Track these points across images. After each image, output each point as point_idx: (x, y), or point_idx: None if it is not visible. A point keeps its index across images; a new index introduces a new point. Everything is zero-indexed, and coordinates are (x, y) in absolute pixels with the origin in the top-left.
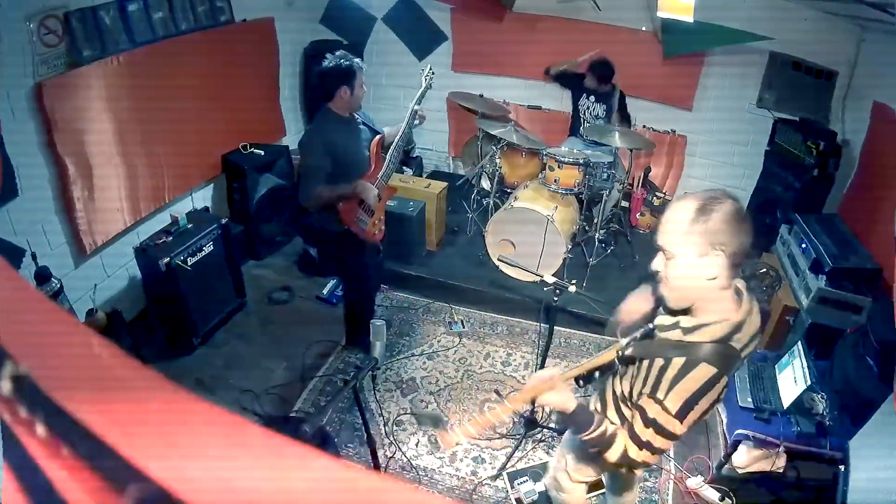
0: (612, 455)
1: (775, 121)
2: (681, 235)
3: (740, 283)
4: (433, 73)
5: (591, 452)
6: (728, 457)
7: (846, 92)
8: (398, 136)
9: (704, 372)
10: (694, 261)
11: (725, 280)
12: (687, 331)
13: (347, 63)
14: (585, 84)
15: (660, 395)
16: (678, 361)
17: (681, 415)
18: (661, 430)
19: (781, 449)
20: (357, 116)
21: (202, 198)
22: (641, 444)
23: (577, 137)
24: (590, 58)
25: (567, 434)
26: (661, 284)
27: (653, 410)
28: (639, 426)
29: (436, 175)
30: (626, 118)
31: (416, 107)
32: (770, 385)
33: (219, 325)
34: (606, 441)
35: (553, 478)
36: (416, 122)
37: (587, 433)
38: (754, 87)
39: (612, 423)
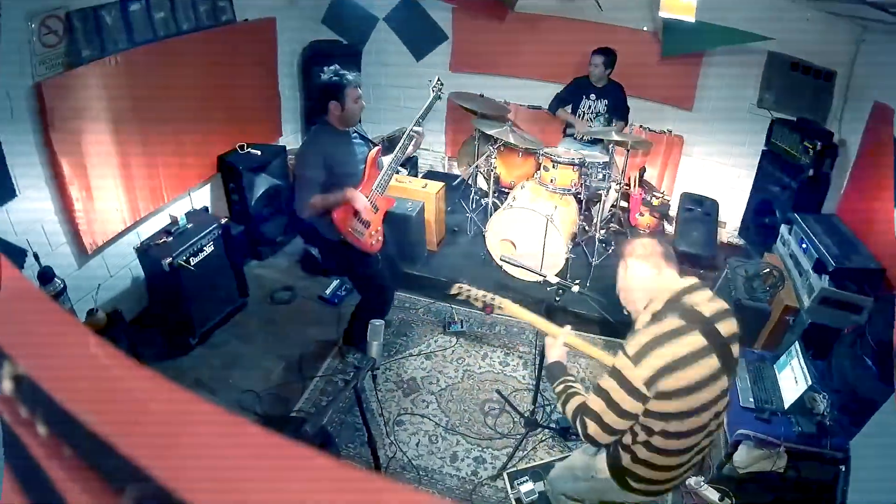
0: (569, 408)
1: (772, 121)
2: (618, 274)
3: (694, 278)
4: (441, 84)
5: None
6: (728, 457)
7: (846, 92)
8: (396, 151)
9: (668, 322)
10: (623, 272)
11: (653, 272)
12: (651, 311)
13: (337, 78)
14: (591, 77)
15: (626, 342)
16: (649, 322)
17: (636, 357)
18: (619, 378)
19: (782, 449)
20: (352, 130)
21: (201, 198)
22: (600, 393)
23: (573, 137)
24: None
25: (575, 460)
26: (631, 316)
27: (618, 357)
28: (605, 377)
29: (431, 175)
30: (624, 116)
31: (417, 128)
32: (771, 385)
33: (219, 325)
34: (567, 395)
35: (554, 496)
36: (411, 142)
37: (554, 385)
38: (754, 88)
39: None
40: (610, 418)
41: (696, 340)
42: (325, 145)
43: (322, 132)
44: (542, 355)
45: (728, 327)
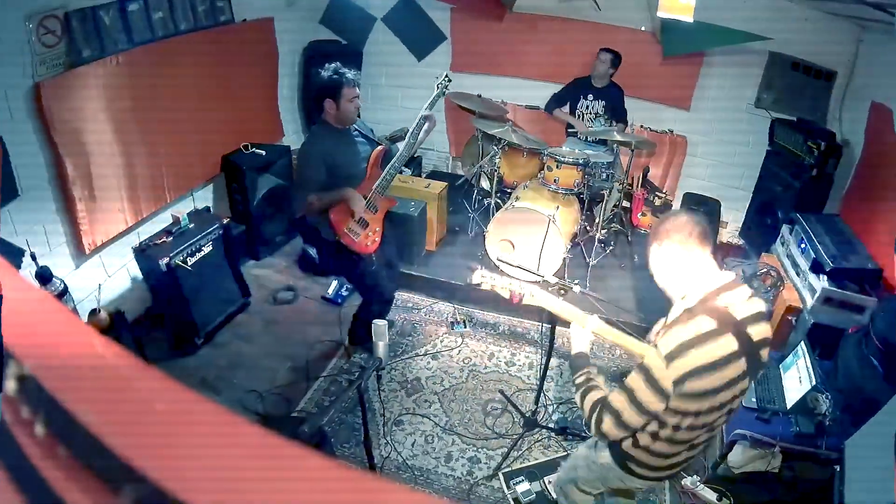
0: (587, 401)
1: (773, 121)
2: (648, 246)
3: (732, 275)
4: (449, 80)
5: (580, 408)
6: (724, 457)
7: (844, 92)
8: (402, 149)
9: (700, 323)
10: (657, 253)
11: (689, 259)
12: (684, 305)
13: (336, 77)
14: (593, 75)
15: (658, 340)
16: (680, 319)
17: (668, 358)
18: (648, 376)
19: (777, 449)
20: (354, 128)
21: (203, 198)
22: (625, 390)
23: (577, 137)
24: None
25: (581, 446)
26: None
27: (649, 355)
28: (632, 374)
29: (435, 175)
30: (622, 118)
31: (425, 112)
32: (775, 385)
33: (222, 325)
34: (587, 388)
35: (560, 488)
36: (427, 124)
37: (576, 375)
38: (752, 87)
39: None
40: (629, 416)
41: (728, 344)
42: (325, 145)
43: (322, 131)
44: (548, 356)
45: (760, 331)
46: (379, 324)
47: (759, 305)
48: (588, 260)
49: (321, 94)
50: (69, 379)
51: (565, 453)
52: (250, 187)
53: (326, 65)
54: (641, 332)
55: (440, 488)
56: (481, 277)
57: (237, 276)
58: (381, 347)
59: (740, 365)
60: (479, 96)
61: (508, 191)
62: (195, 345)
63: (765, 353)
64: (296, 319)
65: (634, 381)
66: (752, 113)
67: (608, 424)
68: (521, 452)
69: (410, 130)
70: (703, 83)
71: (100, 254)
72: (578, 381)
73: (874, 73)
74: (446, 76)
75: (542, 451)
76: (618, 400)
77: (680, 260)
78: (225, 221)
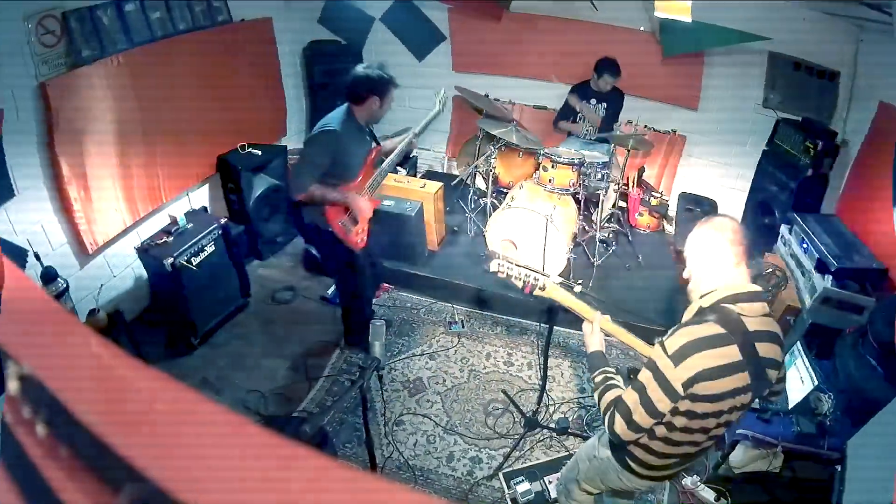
0: (604, 400)
1: (777, 121)
2: (693, 233)
3: (758, 288)
4: (447, 97)
5: (600, 411)
6: (725, 457)
7: (851, 92)
8: (393, 154)
9: (709, 327)
10: (699, 241)
11: (730, 257)
12: (701, 303)
13: (387, 77)
14: (592, 86)
15: (665, 337)
16: (691, 320)
17: (675, 358)
18: (657, 374)
19: (779, 449)
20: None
21: (199, 198)
22: (636, 389)
23: (576, 137)
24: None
25: (583, 445)
26: (687, 286)
27: (656, 353)
28: (642, 371)
29: (430, 175)
30: (611, 125)
31: (414, 138)
32: None
33: (220, 325)
34: (606, 386)
35: (564, 486)
36: (408, 148)
37: (593, 374)
38: (758, 87)
39: (621, 387)
40: (639, 415)
41: (731, 353)
42: (342, 136)
43: (346, 120)
44: (546, 356)
45: (768, 350)
46: (377, 324)
47: (773, 326)
48: (593, 260)
49: (371, 89)
50: (68, 379)
51: (567, 453)
52: (245, 187)
53: (368, 63)
54: (644, 333)
55: (440, 488)
56: (498, 266)
57: (240, 275)
58: (377, 347)
59: (743, 377)
60: (486, 96)
61: (504, 190)
62: (192, 345)
63: (772, 374)
64: (294, 319)
65: (645, 378)
66: (759, 113)
67: (619, 424)
68: (522, 452)
69: (399, 146)
70: (709, 83)
71: (103, 254)
72: (597, 380)
73: (879, 72)
74: (444, 91)
75: (543, 452)
76: (630, 399)
77: (724, 261)
78: (223, 221)
